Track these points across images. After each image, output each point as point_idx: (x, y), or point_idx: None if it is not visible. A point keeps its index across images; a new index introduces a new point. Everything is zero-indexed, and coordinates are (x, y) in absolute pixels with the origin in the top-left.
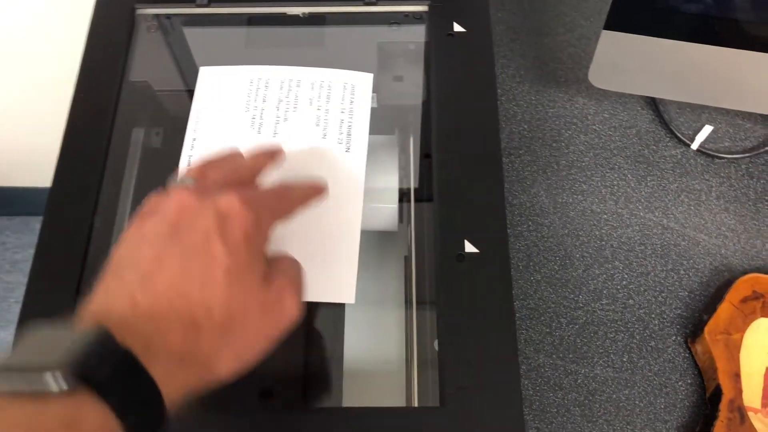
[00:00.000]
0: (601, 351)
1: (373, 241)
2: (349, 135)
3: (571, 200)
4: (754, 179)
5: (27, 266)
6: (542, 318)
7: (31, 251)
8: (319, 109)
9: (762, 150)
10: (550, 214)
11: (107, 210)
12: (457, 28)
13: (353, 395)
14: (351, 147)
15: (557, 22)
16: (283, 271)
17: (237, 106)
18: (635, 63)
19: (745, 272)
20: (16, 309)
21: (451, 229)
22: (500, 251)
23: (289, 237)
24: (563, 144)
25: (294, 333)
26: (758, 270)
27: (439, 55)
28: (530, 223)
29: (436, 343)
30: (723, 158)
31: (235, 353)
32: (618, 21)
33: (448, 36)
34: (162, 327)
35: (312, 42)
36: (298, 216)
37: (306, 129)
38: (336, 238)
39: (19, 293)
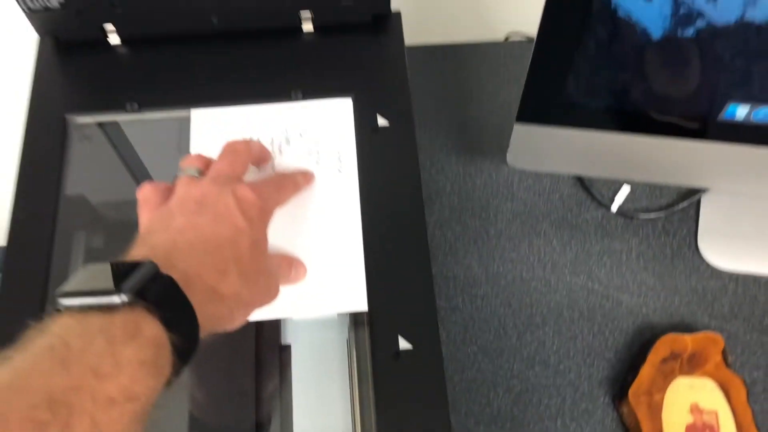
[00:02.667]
0: (536, 418)
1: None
2: (339, 159)
3: (502, 269)
4: (670, 236)
5: None
6: (480, 389)
7: None
8: (308, 139)
9: (676, 207)
10: (483, 285)
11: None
12: (381, 122)
13: None
14: (342, 168)
15: (480, 91)
16: (277, 266)
17: None
18: (546, 148)
19: (665, 329)
20: None
21: (384, 328)
22: (433, 346)
23: (298, 254)
24: (491, 213)
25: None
26: (677, 326)
27: (365, 149)
28: (465, 295)
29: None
30: (641, 217)
31: (246, 302)
32: (527, 114)
33: (372, 130)
34: (198, 267)
35: None
36: (302, 228)
37: (300, 158)
38: (341, 252)
39: None
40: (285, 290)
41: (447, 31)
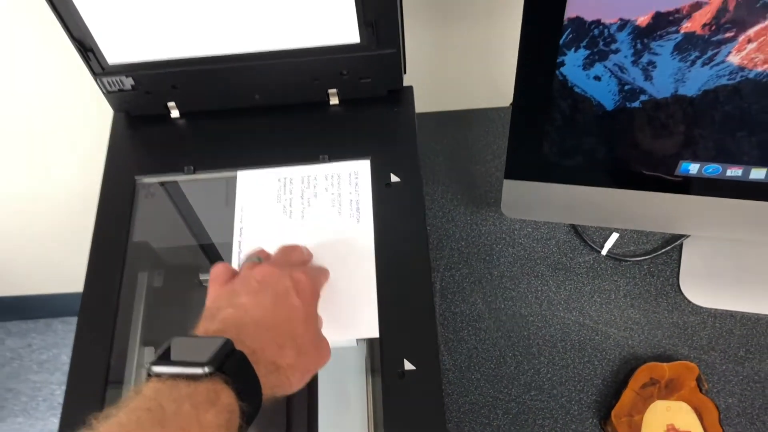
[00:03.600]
0: None
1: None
2: (358, 210)
3: (503, 306)
4: (655, 277)
5: (53, 366)
6: (482, 411)
7: (56, 351)
8: (332, 194)
9: (660, 251)
10: (486, 319)
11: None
12: (394, 178)
13: None
14: (360, 218)
15: (486, 150)
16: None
17: (270, 199)
18: (535, 200)
19: (648, 359)
20: (44, 407)
21: (392, 351)
22: (433, 368)
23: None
24: (495, 257)
25: None
26: (659, 357)
27: (379, 201)
28: (470, 328)
29: None
30: (628, 261)
31: (302, 371)
32: (514, 172)
33: (386, 186)
34: (261, 343)
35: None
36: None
37: (325, 209)
38: (357, 288)
39: (47, 392)
40: None
41: (459, 99)
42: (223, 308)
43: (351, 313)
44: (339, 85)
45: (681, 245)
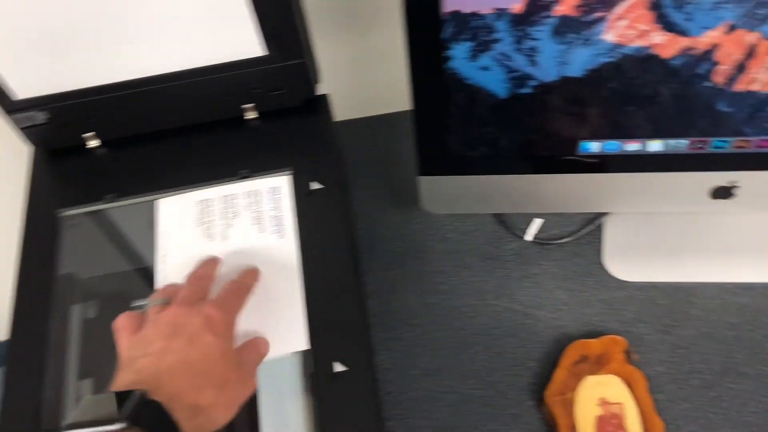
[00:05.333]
0: (471, 425)
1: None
2: (280, 224)
3: (436, 300)
4: (579, 257)
5: None
6: (423, 405)
7: None
8: (253, 211)
9: (582, 231)
10: (421, 315)
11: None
12: (316, 185)
13: None
14: (283, 233)
15: (410, 151)
16: (246, 355)
17: (190, 223)
18: (451, 194)
19: (579, 338)
20: None
21: (324, 358)
22: (366, 369)
23: (247, 309)
24: (426, 254)
25: None
26: (589, 334)
27: (302, 212)
28: (406, 326)
29: None
30: (553, 244)
31: (226, 405)
32: (425, 168)
33: (307, 195)
34: (178, 388)
35: None
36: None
37: (246, 228)
38: (283, 302)
39: None
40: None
41: (380, 104)
42: (137, 358)
43: (278, 330)
44: (253, 99)
45: (602, 224)
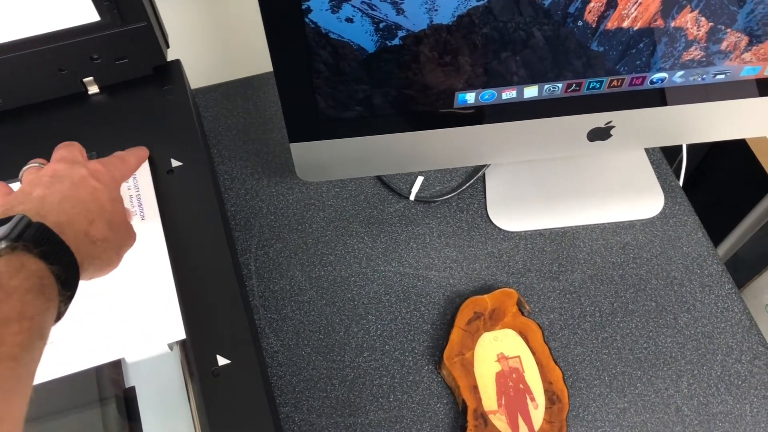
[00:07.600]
0: (371, 398)
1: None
2: (141, 205)
3: (323, 273)
4: (464, 212)
5: None
6: (318, 385)
7: None
8: None
9: (465, 186)
10: (308, 291)
11: None
12: (175, 163)
13: None
14: (145, 214)
15: (278, 116)
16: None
17: None
18: (328, 159)
19: (471, 294)
20: None
21: (203, 349)
22: (250, 359)
23: (112, 302)
24: (307, 225)
25: None
26: (481, 289)
27: (163, 192)
28: (293, 303)
29: None
30: (437, 201)
31: (117, 246)
32: (295, 135)
33: (168, 173)
34: (68, 217)
35: None
36: (115, 279)
37: None
38: (154, 288)
39: None
40: (110, 333)
41: (241, 67)
42: (16, 206)
43: (152, 319)
44: (93, 71)
45: (483, 176)
